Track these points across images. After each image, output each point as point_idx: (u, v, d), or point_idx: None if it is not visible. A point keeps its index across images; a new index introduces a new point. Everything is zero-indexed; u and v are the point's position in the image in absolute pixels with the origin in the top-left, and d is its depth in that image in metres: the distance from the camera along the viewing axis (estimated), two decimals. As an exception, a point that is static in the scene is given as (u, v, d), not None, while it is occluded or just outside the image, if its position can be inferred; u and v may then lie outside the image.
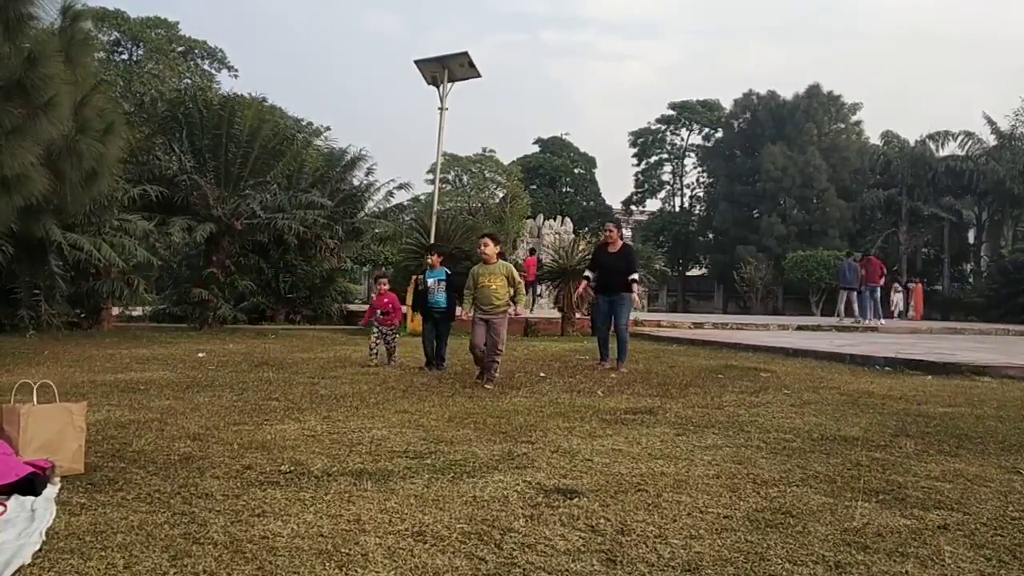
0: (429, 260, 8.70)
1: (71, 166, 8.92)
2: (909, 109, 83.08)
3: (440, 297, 8.26)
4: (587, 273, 9.20)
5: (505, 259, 7.69)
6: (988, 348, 12.05)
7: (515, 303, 7.46)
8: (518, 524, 2.84)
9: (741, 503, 3.17)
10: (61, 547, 2.52)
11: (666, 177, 55.44)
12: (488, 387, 6.77)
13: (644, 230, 51.51)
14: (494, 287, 7.21)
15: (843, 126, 43.94)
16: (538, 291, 25.27)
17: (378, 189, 21.50)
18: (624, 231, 45.02)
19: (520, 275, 7.82)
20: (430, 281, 8.37)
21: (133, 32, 37.15)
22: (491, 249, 7.33)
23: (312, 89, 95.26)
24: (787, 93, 43.88)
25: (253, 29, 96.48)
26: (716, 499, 3.23)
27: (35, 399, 3.68)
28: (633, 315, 20.93)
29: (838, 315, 19.78)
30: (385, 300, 9.11)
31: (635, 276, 8.55)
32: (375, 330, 8.98)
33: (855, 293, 18.74)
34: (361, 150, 21.47)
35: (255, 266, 18.12)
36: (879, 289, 18.57)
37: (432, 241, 13.75)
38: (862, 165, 41.30)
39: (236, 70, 40.47)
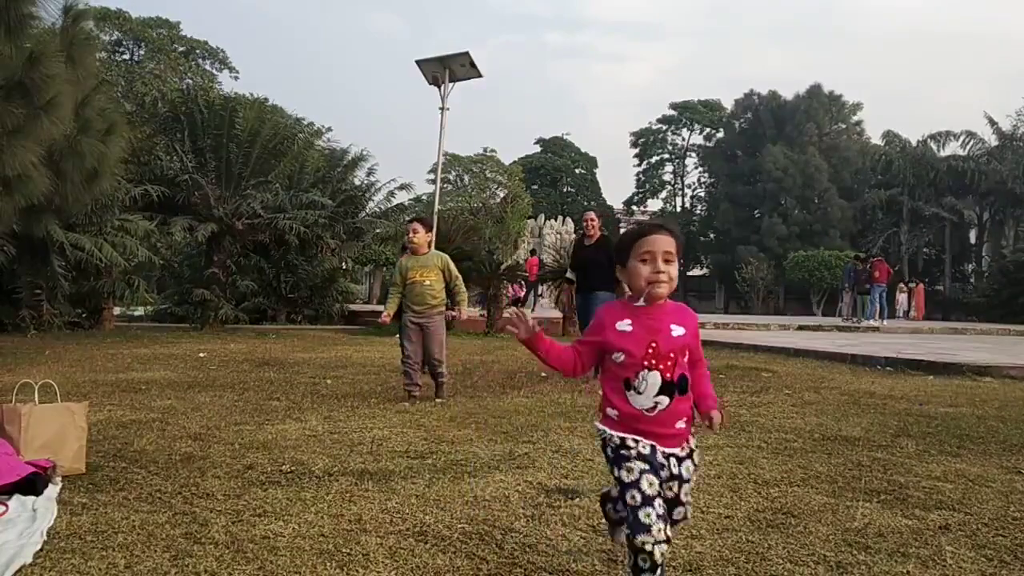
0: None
1: (73, 166, 8.93)
2: (910, 109, 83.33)
3: None
4: (569, 275, 8.44)
5: (443, 250, 6.82)
6: (989, 348, 12.03)
7: (457, 303, 6.27)
8: (519, 524, 2.84)
9: (742, 503, 3.17)
10: (62, 547, 2.52)
11: (667, 177, 55.59)
12: (439, 400, 6.00)
13: (645, 230, 51.51)
14: (428, 282, 6.00)
15: (844, 126, 44.00)
16: (539, 291, 25.31)
17: (379, 189, 21.52)
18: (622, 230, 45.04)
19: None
20: None
21: (135, 32, 37.27)
22: (421, 237, 6.08)
23: (313, 89, 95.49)
24: (788, 93, 44.01)
25: (254, 29, 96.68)
26: (717, 499, 3.22)
27: (36, 399, 3.69)
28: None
29: (839, 314, 20.17)
30: None
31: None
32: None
33: (847, 294, 19.68)
34: (362, 150, 21.42)
35: (256, 266, 18.13)
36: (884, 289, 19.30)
37: (433, 241, 13.65)
38: (863, 165, 41.31)
39: (237, 70, 40.62)
